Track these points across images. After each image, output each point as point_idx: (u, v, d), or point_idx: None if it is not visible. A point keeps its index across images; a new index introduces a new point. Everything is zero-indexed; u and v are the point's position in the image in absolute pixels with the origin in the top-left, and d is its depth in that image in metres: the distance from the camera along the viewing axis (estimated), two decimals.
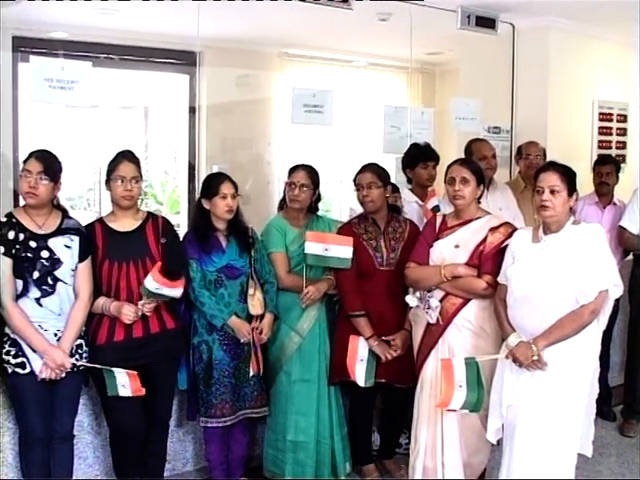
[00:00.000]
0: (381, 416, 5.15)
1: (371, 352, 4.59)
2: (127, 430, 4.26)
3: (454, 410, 4.05)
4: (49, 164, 4.01)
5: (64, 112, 7.08)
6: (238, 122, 7.24)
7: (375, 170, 4.74)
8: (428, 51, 7.99)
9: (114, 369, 4.01)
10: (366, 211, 4.76)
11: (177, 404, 4.69)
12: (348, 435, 4.93)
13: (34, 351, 3.96)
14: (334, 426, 4.83)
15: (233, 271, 4.50)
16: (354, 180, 4.76)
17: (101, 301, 4.14)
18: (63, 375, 4.01)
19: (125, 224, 4.26)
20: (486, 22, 6.52)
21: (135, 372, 4.02)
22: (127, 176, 4.20)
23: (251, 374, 4.53)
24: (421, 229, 4.67)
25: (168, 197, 8.80)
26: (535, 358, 3.86)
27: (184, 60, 7.00)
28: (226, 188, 4.51)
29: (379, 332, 4.62)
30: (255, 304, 4.53)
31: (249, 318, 4.53)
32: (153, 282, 4.05)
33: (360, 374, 4.57)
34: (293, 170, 4.84)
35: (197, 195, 4.73)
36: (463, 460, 4.37)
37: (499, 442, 4.21)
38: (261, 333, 4.51)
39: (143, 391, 4.07)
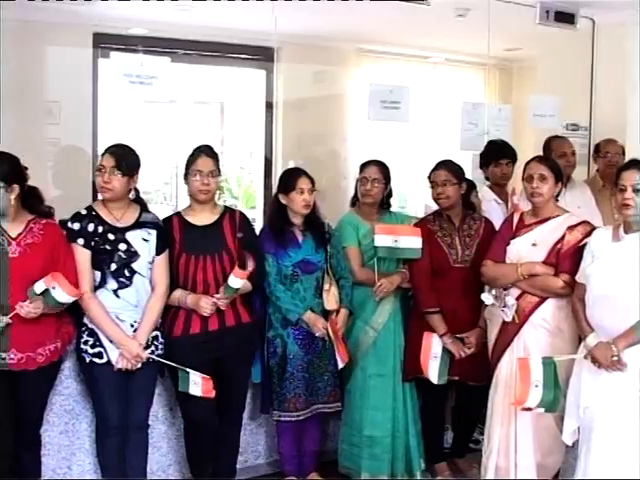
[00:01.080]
0: (453, 414, 5.11)
1: (445, 349, 4.55)
2: (201, 422, 4.30)
3: (529, 409, 3.99)
4: (123, 159, 4.05)
5: (142, 107, 7.17)
6: (314, 118, 7.25)
7: (450, 167, 4.71)
8: (506, 47, 7.87)
9: (190, 372, 4.05)
10: (441, 208, 4.73)
11: (251, 397, 4.72)
12: (421, 432, 4.90)
13: (111, 342, 4.03)
14: (409, 422, 4.81)
15: (309, 266, 4.52)
16: (429, 177, 4.74)
17: (177, 294, 4.19)
18: (139, 366, 4.07)
19: (202, 218, 4.30)
20: (565, 17, 6.40)
21: (209, 377, 4.06)
22: (204, 170, 4.24)
23: (340, 366, 4.56)
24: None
25: (243, 192, 8.86)
26: (615, 359, 3.77)
27: (261, 56, 7.02)
28: (303, 183, 4.53)
29: (453, 329, 4.60)
30: (330, 299, 4.55)
31: (324, 313, 4.55)
32: (236, 279, 4.09)
33: (433, 371, 4.53)
34: (365, 165, 4.85)
35: (273, 190, 4.75)
36: (536, 461, 4.31)
37: (574, 444, 4.14)
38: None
39: (213, 393, 4.10)
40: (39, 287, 3.73)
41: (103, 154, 4.10)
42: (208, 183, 4.24)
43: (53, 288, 3.74)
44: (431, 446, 4.94)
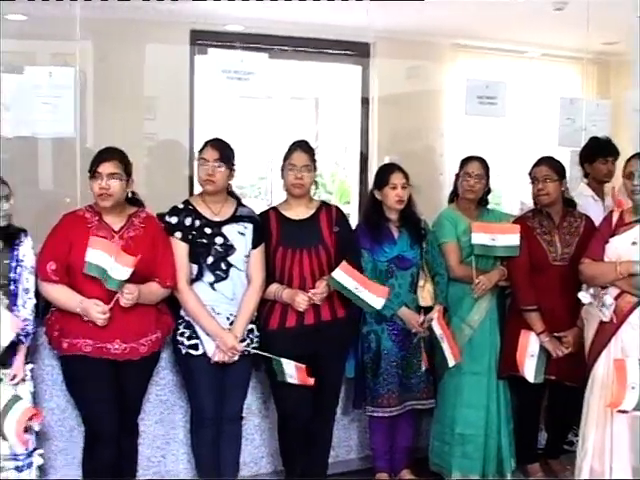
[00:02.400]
0: (548, 415, 5.02)
1: (542, 348, 4.47)
2: (294, 416, 4.32)
3: (625, 411, 3.89)
4: (225, 152, 4.12)
5: (238, 103, 7.24)
6: (409, 113, 7.21)
7: (551, 163, 4.63)
8: (604, 41, 7.70)
9: (283, 360, 4.07)
10: (541, 205, 4.64)
11: (344, 392, 4.72)
12: (514, 431, 4.84)
13: (207, 334, 4.08)
14: (502, 421, 4.74)
15: (404, 262, 4.50)
16: (529, 173, 4.67)
17: (274, 287, 4.21)
18: (235, 358, 4.11)
19: (299, 212, 4.31)
20: None
21: (304, 366, 4.06)
22: (298, 165, 4.25)
23: (451, 364, 4.52)
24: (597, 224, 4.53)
25: (338, 187, 8.88)
26: None
27: (357, 51, 7.02)
28: (396, 178, 4.51)
29: (551, 328, 4.51)
30: (425, 295, 4.52)
31: (418, 309, 4.51)
32: (344, 275, 4.09)
33: (530, 370, 4.45)
34: (467, 161, 4.79)
35: (369, 185, 4.75)
36: (632, 464, 4.19)
37: None
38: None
39: (312, 381, 4.10)
40: (121, 273, 3.76)
41: (204, 147, 4.15)
42: (302, 177, 4.25)
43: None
44: (524, 446, 4.87)
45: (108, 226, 3.94)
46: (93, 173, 3.88)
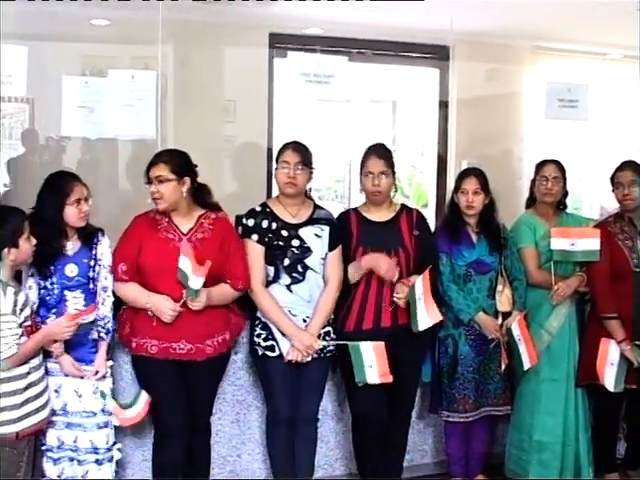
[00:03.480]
0: (628, 424, 4.92)
1: (622, 356, 4.39)
2: (369, 419, 4.31)
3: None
4: (306, 155, 4.15)
5: (316, 106, 7.27)
6: (488, 117, 7.13)
7: (636, 168, 4.55)
8: None
9: (361, 344, 4.04)
10: (627, 210, 4.57)
11: (419, 396, 4.70)
12: (592, 440, 4.76)
13: (283, 335, 4.09)
14: (580, 428, 4.68)
15: (482, 266, 4.46)
16: (611, 178, 4.60)
17: (351, 266, 4.21)
18: (309, 359, 4.11)
19: (380, 214, 4.31)
20: None
21: (382, 343, 4.03)
22: (375, 171, 4.24)
23: (526, 367, 4.46)
24: None
25: (415, 190, 8.84)
26: None
27: (436, 54, 6.98)
28: (467, 184, 4.49)
29: (632, 336, 4.43)
30: (503, 301, 4.47)
31: (496, 314, 4.47)
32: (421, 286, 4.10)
33: (610, 378, 4.38)
34: (542, 164, 4.75)
35: (446, 189, 4.72)
36: None
37: None
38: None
39: (391, 378, 4.08)
40: (196, 283, 3.80)
41: (284, 150, 4.17)
42: (379, 184, 4.24)
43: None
44: (602, 455, 4.78)
45: (177, 228, 4.00)
46: (147, 178, 3.96)
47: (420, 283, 4.09)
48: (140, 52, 5.68)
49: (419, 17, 6.36)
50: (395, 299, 4.15)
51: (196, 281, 3.77)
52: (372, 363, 4.07)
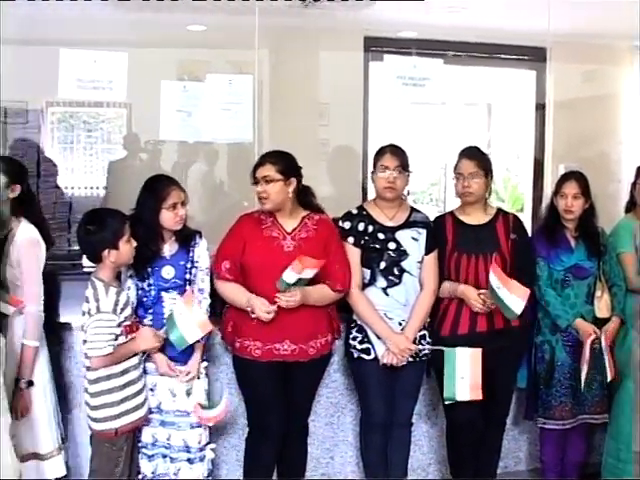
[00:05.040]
0: None
1: None
2: (464, 426, 4.27)
3: None
4: (404, 158, 4.15)
5: (411, 109, 7.25)
6: (585, 119, 6.99)
7: None
8: None
9: (457, 350, 4.01)
10: None
11: (515, 402, 4.64)
12: None
13: (379, 338, 4.09)
14: None
15: (581, 271, 4.38)
16: None
17: (447, 284, 4.20)
18: (404, 362, 4.10)
19: (475, 218, 4.28)
20: None
21: (479, 350, 4.01)
22: (465, 173, 4.22)
23: (608, 379, 4.37)
24: None
25: (510, 194, 8.75)
26: None
27: (532, 56, 6.88)
28: (567, 188, 4.43)
29: None
30: (602, 307, 4.39)
31: (595, 321, 4.39)
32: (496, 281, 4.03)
33: None
34: None
35: (544, 192, 4.65)
36: None
37: None
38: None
39: (480, 394, 4.05)
40: (290, 277, 3.80)
41: (382, 154, 4.18)
42: (469, 185, 4.21)
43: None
44: None
45: (281, 227, 4.03)
46: (254, 178, 3.99)
47: (493, 276, 3.99)
48: (236, 57, 5.74)
49: (515, 18, 6.29)
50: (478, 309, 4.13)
51: (290, 275, 3.79)
52: (465, 374, 4.04)
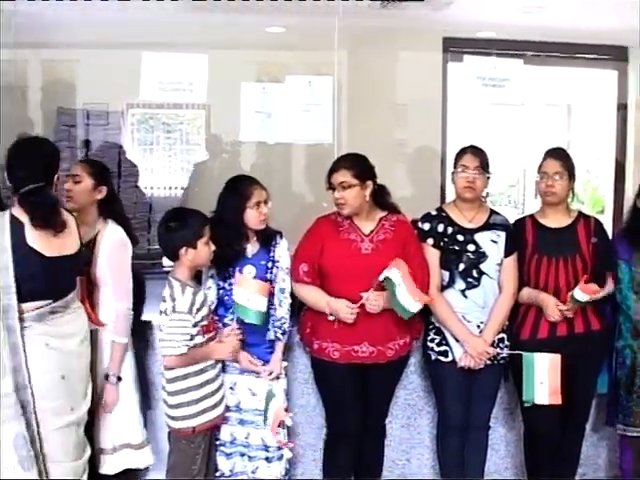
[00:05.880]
0: None
1: None
2: (542, 433, 4.23)
3: None
4: (484, 159, 4.13)
5: (490, 109, 7.19)
6: None
7: None
8: None
9: (536, 355, 3.97)
10: None
11: (595, 408, 4.55)
12: None
13: (457, 341, 4.07)
14: None
15: None
16: None
17: (526, 291, 4.16)
18: (482, 365, 4.08)
19: (556, 221, 4.22)
20: None
21: (558, 356, 3.95)
22: (549, 172, 4.17)
23: None
24: None
25: (590, 196, 8.62)
26: None
27: (614, 55, 6.77)
28: None
29: None
30: None
31: None
32: (582, 294, 3.99)
33: None
34: None
35: (625, 195, 4.56)
36: None
37: None
38: None
39: (560, 399, 4.00)
40: (393, 275, 3.81)
41: (462, 154, 4.16)
42: (552, 185, 4.17)
43: (399, 285, 3.81)
44: None
45: (358, 229, 4.04)
46: (329, 184, 4.01)
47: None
48: (314, 58, 5.78)
49: (596, 17, 6.19)
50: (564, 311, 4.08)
51: (393, 272, 3.80)
52: (543, 379, 3.99)
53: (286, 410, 3.95)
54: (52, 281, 3.53)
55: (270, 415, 3.85)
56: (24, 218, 3.44)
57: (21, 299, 3.41)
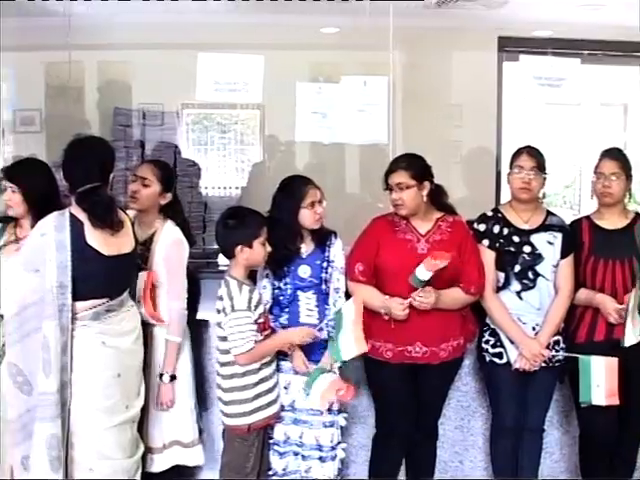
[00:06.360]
0: None
1: None
2: (598, 438, 4.17)
3: None
4: (540, 159, 4.09)
5: (546, 109, 7.13)
6: None
7: None
8: None
9: (593, 358, 3.90)
10: None
11: None
12: None
13: (512, 342, 4.04)
14: None
15: None
16: None
17: (583, 292, 4.11)
18: (537, 368, 4.04)
19: (613, 222, 4.16)
20: None
21: (616, 360, 3.88)
22: (606, 172, 4.12)
23: None
24: None
25: None
26: None
27: None
28: None
29: None
30: None
31: None
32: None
33: None
34: None
35: None
36: None
37: None
38: None
39: (617, 400, 3.92)
40: (423, 274, 3.78)
41: (518, 154, 4.13)
42: (609, 186, 4.11)
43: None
44: None
45: (415, 229, 4.03)
46: (386, 184, 4.00)
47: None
48: (369, 58, 5.77)
49: None
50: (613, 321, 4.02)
51: (422, 271, 3.78)
52: (600, 382, 3.92)
53: (344, 390, 3.91)
54: (109, 280, 3.59)
55: (315, 392, 3.79)
56: (83, 217, 3.49)
57: (78, 298, 3.47)
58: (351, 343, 3.69)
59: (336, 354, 3.77)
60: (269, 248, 3.79)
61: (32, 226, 3.73)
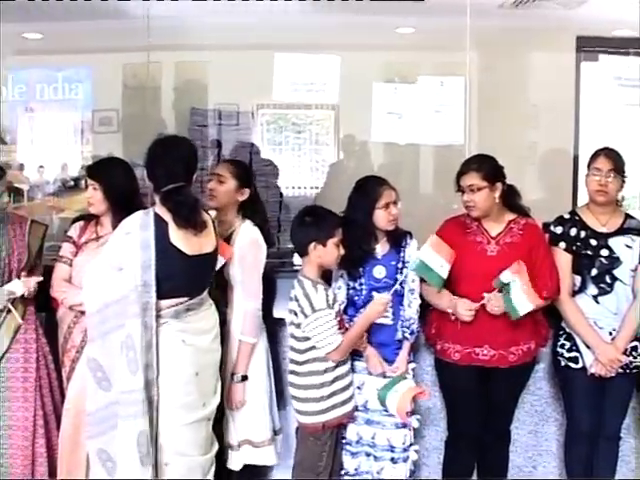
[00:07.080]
0: None
1: None
2: None
3: None
4: (618, 162, 4.02)
5: (625, 110, 7.01)
6: None
7: None
8: None
9: None
10: None
11: None
12: None
13: (588, 347, 3.99)
14: None
15: None
16: None
17: None
18: (613, 374, 3.97)
19: None
20: None
21: None
22: None
23: None
24: None
25: None
26: None
27: None
28: None
29: None
30: None
31: None
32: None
33: None
34: None
35: None
36: None
37: None
38: None
39: None
40: (505, 277, 3.79)
41: (595, 157, 4.06)
42: None
43: (513, 281, 3.79)
44: None
45: (486, 231, 4.01)
46: (458, 186, 3.99)
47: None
48: (444, 58, 5.75)
49: None
50: None
51: (506, 274, 3.78)
52: None
53: (420, 393, 3.92)
54: (191, 279, 3.63)
55: (390, 406, 3.83)
56: (167, 217, 3.54)
57: (160, 296, 3.51)
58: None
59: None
60: (342, 250, 3.80)
61: (112, 224, 3.81)
